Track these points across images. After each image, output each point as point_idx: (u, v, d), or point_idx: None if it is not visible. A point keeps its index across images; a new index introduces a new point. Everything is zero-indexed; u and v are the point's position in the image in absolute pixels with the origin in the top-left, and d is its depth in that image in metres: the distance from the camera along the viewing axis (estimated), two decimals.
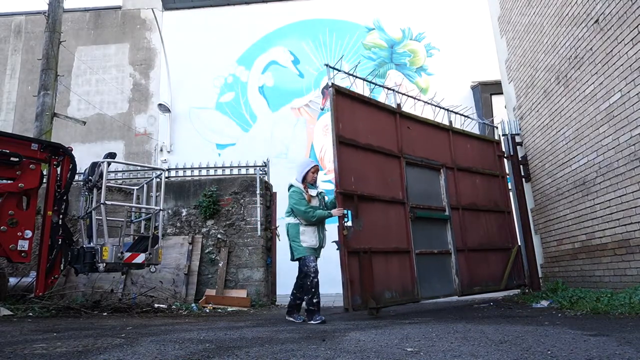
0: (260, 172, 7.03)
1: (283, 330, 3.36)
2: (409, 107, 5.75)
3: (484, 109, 10.40)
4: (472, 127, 6.85)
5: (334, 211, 4.31)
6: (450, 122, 6.18)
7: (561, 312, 4.16)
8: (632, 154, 4.23)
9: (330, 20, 12.34)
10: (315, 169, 4.41)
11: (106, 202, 4.72)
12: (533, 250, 6.33)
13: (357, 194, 4.52)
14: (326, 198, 4.54)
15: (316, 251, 4.29)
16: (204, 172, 7.44)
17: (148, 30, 12.71)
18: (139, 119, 12.14)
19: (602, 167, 4.74)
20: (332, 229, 4.51)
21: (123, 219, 5.70)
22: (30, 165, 4.87)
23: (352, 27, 12.26)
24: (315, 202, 4.35)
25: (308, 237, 4.23)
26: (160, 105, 11.67)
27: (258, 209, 6.74)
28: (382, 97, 11.75)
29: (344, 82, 5.09)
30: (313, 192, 4.37)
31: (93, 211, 4.87)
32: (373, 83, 5.52)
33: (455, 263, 5.35)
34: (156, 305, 5.59)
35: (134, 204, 5.85)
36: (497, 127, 7.08)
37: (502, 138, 6.89)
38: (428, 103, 5.98)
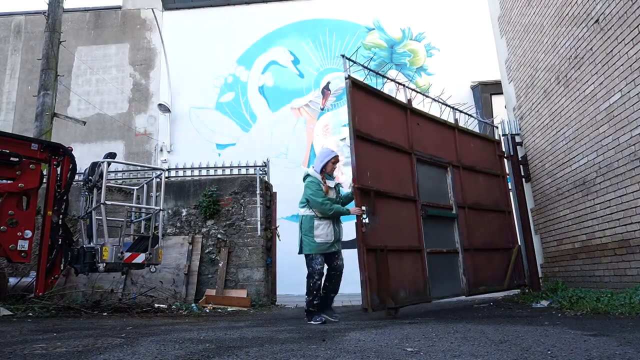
0: (260, 172, 7.03)
1: (283, 330, 3.36)
2: (415, 104, 5.71)
3: (484, 109, 10.40)
4: (474, 127, 6.86)
5: (352, 209, 4.10)
6: (456, 120, 6.15)
7: (561, 312, 4.16)
8: (632, 154, 4.23)
9: (330, 20, 12.34)
10: (336, 160, 4.23)
11: (106, 202, 4.72)
12: (533, 250, 6.33)
13: (374, 190, 4.37)
14: (341, 191, 4.36)
15: (333, 245, 4.07)
16: (204, 172, 7.44)
17: (148, 30, 12.71)
18: (139, 119, 12.14)
19: (602, 167, 4.74)
20: (345, 226, 4.44)
21: (123, 219, 5.70)
22: (30, 165, 4.87)
23: (352, 27, 12.26)
24: (332, 194, 4.17)
25: (322, 231, 4.01)
26: (160, 105, 11.67)
27: (258, 209, 6.74)
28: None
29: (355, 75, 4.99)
30: (331, 184, 4.19)
31: (93, 211, 4.87)
32: (387, 77, 5.39)
33: (463, 262, 5.29)
34: (156, 305, 5.59)
35: (134, 204, 5.85)
36: (497, 127, 7.08)
37: (502, 138, 6.88)
38: (435, 100, 5.95)
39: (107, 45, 12.69)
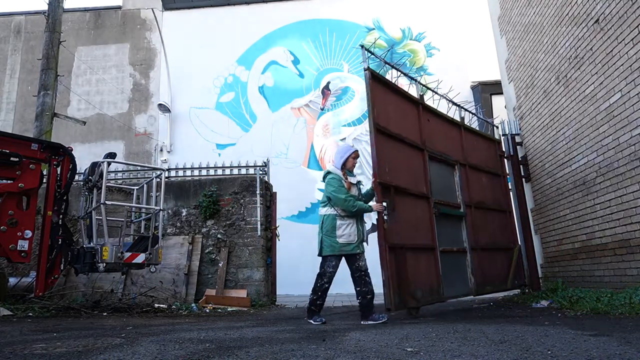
0: (260, 172, 7.03)
1: (283, 330, 3.36)
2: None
3: (484, 109, 10.40)
4: (475, 127, 6.85)
5: (375, 205, 3.96)
6: (462, 118, 6.12)
7: (561, 312, 4.16)
8: (632, 154, 4.23)
9: (330, 20, 12.35)
10: (356, 155, 4.11)
11: (106, 202, 4.72)
12: (533, 250, 6.33)
13: (393, 186, 4.25)
14: (362, 188, 4.24)
15: (358, 246, 3.93)
16: (204, 172, 7.44)
17: (148, 30, 12.71)
18: (139, 119, 12.14)
19: (603, 167, 4.74)
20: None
21: (123, 219, 5.70)
22: (30, 165, 4.87)
23: (352, 27, 12.26)
24: (354, 191, 4.03)
25: (345, 231, 3.87)
26: (160, 105, 11.67)
27: (258, 209, 6.74)
28: None
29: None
30: (353, 180, 4.07)
31: (93, 211, 4.87)
32: (401, 71, 5.30)
33: (471, 262, 5.23)
34: (156, 305, 5.59)
35: (134, 204, 5.85)
36: (497, 127, 7.08)
37: (502, 138, 6.88)
38: (443, 97, 5.92)
39: (107, 45, 12.69)
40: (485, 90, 10.90)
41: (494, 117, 8.22)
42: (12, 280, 5.69)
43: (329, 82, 11.94)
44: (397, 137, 4.56)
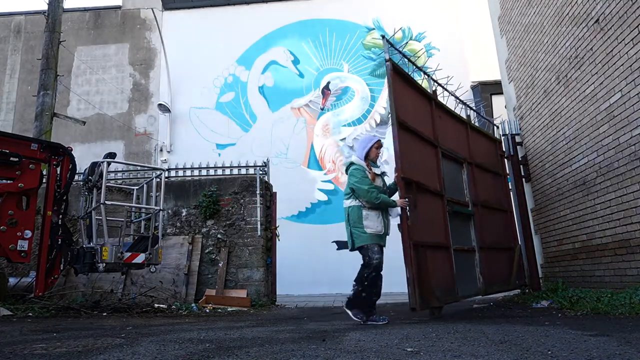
0: (260, 172, 7.03)
1: (283, 330, 3.36)
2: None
3: (487, 108, 10.40)
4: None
5: (399, 201, 3.83)
6: (468, 116, 6.09)
7: (561, 312, 4.15)
8: (632, 154, 4.23)
9: (330, 20, 12.35)
10: (379, 145, 3.98)
11: (106, 202, 4.72)
12: (533, 250, 6.33)
13: (415, 181, 4.13)
14: (386, 181, 4.10)
15: (381, 238, 3.79)
16: (204, 172, 7.44)
17: (148, 30, 12.71)
18: (139, 119, 12.14)
19: (603, 167, 4.74)
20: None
21: (123, 219, 5.70)
22: (30, 165, 4.87)
23: (352, 27, 12.26)
24: (378, 182, 3.90)
25: (372, 222, 3.73)
26: (160, 105, 11.67)
27: (258, 209, 6.73)
28: (382, 94, 11.76)
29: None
30: (377, 171, 3.95)
31: (93, 211, 4.87)
32: (416, 66, 5.20)
33: (479, 261, 5.17)
34: (156, 305, 5.58)
35: (134, 204, 5.85)
36: (497, 127, 7.08)
37: (502, 138, 6.88)
38: (452, 94, 5.88)
39: (106, 45, 12.69)
40: (485, 90, 10.90)
41: (494, 117, 8.22)
42: (12, 280, 5.69)
43: (329, 82, 11.94)
44: (415, 132, 4.42)
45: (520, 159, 6.74)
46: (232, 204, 6.85)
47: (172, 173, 7.44)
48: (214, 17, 12.62)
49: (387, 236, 3.89)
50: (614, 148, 4.52)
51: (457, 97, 5.99)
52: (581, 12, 4.95)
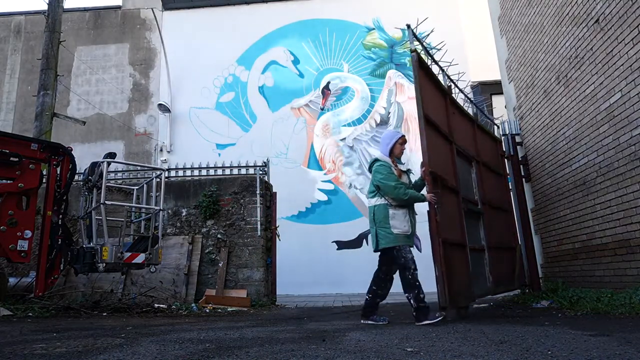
0: (260, 172, 7.03)
1: (283, 330, 3.36)
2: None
3: (487, 109, 10.41)
4: None
5: (428, 196, 3.66)
6: (475, 114, 6.05)
7: (561, 312, 4.15)
8: (632, 154, 4.23)
9: (330, 20, 12.35)
10: (403, 140, 3.84)
11: (106, 202, 4.72)
12: (533, 250, 6.33)
13: (440, 176, 4.00)
14: (412, 178, 3.96)
15: (409, 239, 3.63)
16: (204, 172, 7.44)
17: (148, 30, 12.71)
18: (139, 119, 12.15)
19: (603, 167, 4.74)
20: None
21: (123, 219, 5.70)
22: (30, 165, 4.87)
23: (352, 27, 12.27)
24: (405, 179, 3.76)
25: (399, 221, 3.57)
26: (160, 105, 11.67)
27: (258, 209, 6.73)
28: (382, 94, 11.76)
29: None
30: (403, 168, 3.81)
31: (93, 211, 4.87)
32: (434, 60, 5.10)
33: (488, 260, 5.08)
34: (156, 305, 5.58)
35: (134, 204, 5.85)
36: (498, 127, 7.08)
37: (502, 138, 6.88)
38: (462, 91, 5.84)
39: (106, 45, 12.70)
40: (485, 90, 10.90)
41: (494, 117, 8.22)
42: (12, 280, 5.69)
43: (329, 82, 11.94)
44: (436, 127, 4.31)
45: (520, 159, 6.74)
46: (232, 204, 6.85)
47: (172, 173, 7.44)
48: (214, 17, 12.62)
49: (413, 236, 3.74)
50: (614, 148, 4.52)
51: (466, 95, 5.97)
52: (581, 12, 4.95)
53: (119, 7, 12.98)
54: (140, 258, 4.93)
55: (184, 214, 6.88)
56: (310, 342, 2.58)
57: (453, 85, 5.53)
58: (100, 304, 5.43)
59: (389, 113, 11.58)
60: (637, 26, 4.04)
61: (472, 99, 6.07)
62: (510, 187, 6.74)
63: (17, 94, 12.39)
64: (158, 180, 6.07)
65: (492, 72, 10.16)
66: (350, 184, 11.14)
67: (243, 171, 7.32)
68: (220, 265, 6.51)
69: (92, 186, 4.96)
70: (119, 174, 7.59)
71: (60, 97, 11.37)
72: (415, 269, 3.53)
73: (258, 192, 6.82)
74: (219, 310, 5.65)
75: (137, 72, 12.46)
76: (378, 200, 3.68)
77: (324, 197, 11.17)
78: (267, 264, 6.73)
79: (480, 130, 6.03)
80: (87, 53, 12.63)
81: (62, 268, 5.08)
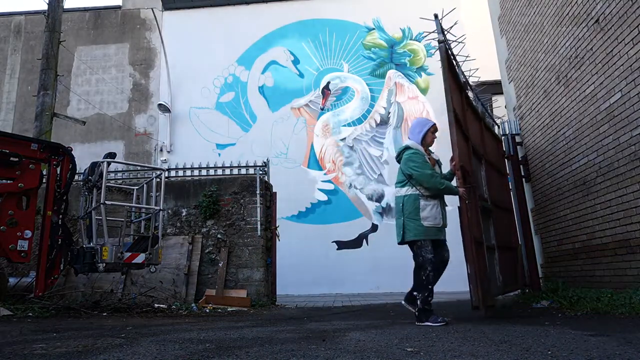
0: (260, 172, 7.03)
1: (283, 330, 3.36)
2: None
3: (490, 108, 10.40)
4: None
5: (460, 190, 3.53)
6: (482, 112, 6.01)
7: (561, 312, 4.15)
8: (632, 154, 4.23)
9: (330, 20, 12.35)
10: (435, 129, 3.67)
11: (106, 202, 4.72)
12: (533, 250, 6.33)
13: (469, 172, 3.88)
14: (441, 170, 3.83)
15: (440, 231, 3.49)
16: (204, 172, 7.44)
17: (148, 30, 12.71)
18: (139, 119, 12.15)
19: (603, 167, 4.74)
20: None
21: (123, 219, 5.70)
22: (30, 165, 4.87)
23: (352, 27, 12.27)
24: (437, 170, 3.61)
25: (430, 213, 3.41)
26: (160, 105, 11.67)
27: (258, 209, 6.73)
28: (382, 94, 11.76)
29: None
30: (435, 157, 3.66)
31: (93, 211, 4.87)
32: (452, 55, 4.99)
33: (498, 260, 4.98)
34: (156, 305, 5.58)
35: (134, 204, 5.84)
36: (498, 127, 7.07)
37: (502, 138, 6.88)
38: (471, 89, 5.81)
39: (106, 45, 12.70)
40: (486, 90, 10.88)
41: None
42: (12, 280, 5.69)
43: (329, 82, 11.94)
44: (458, 122, 4.18)
45: (520, 159, 6.74)
46: (232, 204, 6.85)
47: (172, 173, 7.44)
48: (214, 17, 12.62)
49: (445, 229, 3.59)
50: (614, 148, 4.52)
51: (475, 94, 5.95)
52: (581, 12, 4.95)
53: (119, 7, 12.98)
54: (140, 258, 4.93)
55: (184, 214, 6.88)
56: (310, 342, 2.58)
57: (465, 81, 5.45)
58: (100, 304, 5.43)
59: (389, 113, 11.58)
60: (637, 26, 4.04)
61: (479, 97, 6.05)
62: (510, 187, 6.74)
63: (17, 94, 12.39)
64: (158, 180, 6.07)
65: (492, 72, 10.16)
66: (350, 184, 11.14)
67: (243, 171, 7.32)
68: (220, 265, 6.51)
69: (92, 186, 4.96)
70: (119, 174, 7.59)
71: (60, 97, 11.37)
72: (431, 271, 3.41)
73: (258, 192, 6.82)
74: (219, 310, 5.65)
75: (137, 72, 12.46)
76: (409, 190, 3.50)
77: (324, 197, 11.17)
78: (267, 264, 6.73)
79: (486, 129, 6.01)
80: (87, 53, 12.63)
81: (62, 268, 5.08)
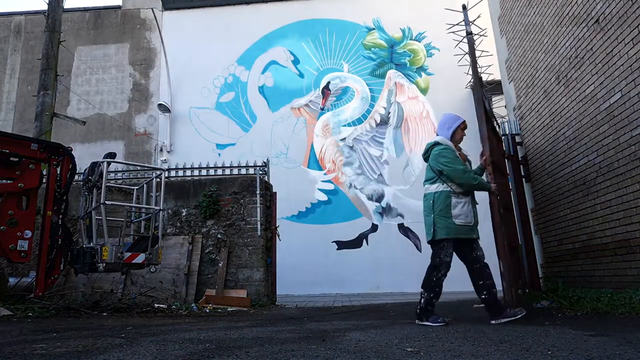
0: (260, 172, 7.03)
1: (283, 330, 3.36)
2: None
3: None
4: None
5: (493, 186, 3.47)
6: (490, 111, 6.00)
7: (561, 312, 4.15)
8: (632, 154, 4.23)
9: (330, 20, 12.35)
10: (465, 126, 3.59)
11: (106, 202, 4.72)
12: (533, 250, 6.33)
13: (499, 168, 3.82)
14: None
15: (472, 230, 3.38)
16: (204, 172, 7.44)
17: (148, 30, 12.71)
18: (139, 119, 12.15)
19: (603, 167, 4.74)
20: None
21: (123, 219, 5.70)
22: (30, 165, 4.87)
23: (352, 27, 12.27)
24: (468, 167, 3.53)
25: (462, 211, 3.32)
26: (160, 105, 11.67)
27: (258, 209, 6.73)
28: (382, 94, 11.76)
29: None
30: (465, 153, 3.58)
31: (93, 211, 4.87)
32: (472, 56, 5.01)
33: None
34: (156, 305, 5.58)
35: (134, 204, 5.84)
36: (499, 126, 7.07)
37: (502, 138, 6.87)
38: (481, 86, 5.79)
39: (106, 45, 12.70)
40: (485, 90, 10.88)
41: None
42: (12, 280, 5.69)
43: (329, 82, 11.94)
44: (487, 115, 4.11)
45: (520, 159, 6.73)
46: (232, 204, 6.86)
47: (172, 173, 7.44)
48: (214, 17, 12.62)
49: (477, 227, 3.49)
50: (614, 148, 4.52)
51: (482, 92, 5.93)
52: (581, 12, 4.95)
53: (119, 7, 12.98)
54: (140, 258, 4.93)
55: (184, 214, 6.88)
56: (310, 342, 2.58)
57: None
58: (100, 304, 5.43)
59: (389, 113, 11.58)
60: (637, 26, 4.03)
61: (485, 96, 6.03)
62: (511, 187, 6.74)
63: (17, 94, 12.39)
64: (158, 180, 6.07)
65: (492, 72, 10.15)
66: (350, 184, 11.14)
67: (243, 171, 7.32)
68: (220, 265, 6.51)
69: (92, 186, 4.96)
70: (119, 174, 7.59)
71: (60, 97, 11.37)
72: (444, 275, 3.35)
73: (258, 192, 6.82)
74: (219, 310, 5.65)
75: (137, 72, 12.46)
76: (439, 187, 3.40)
77: (324, 197, 11.17)
78: (267, 264, 6.73)
79: (492, 128, 5.98)
80: (87, 53, 12.63)
81: (62, 268, 5.08)
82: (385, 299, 7.48)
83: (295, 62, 12.19)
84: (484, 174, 3.77)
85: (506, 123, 6.91)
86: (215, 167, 7.43)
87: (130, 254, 4.91)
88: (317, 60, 12.14)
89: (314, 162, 11.46)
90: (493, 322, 3.28)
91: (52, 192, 5.02)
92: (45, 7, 8.47)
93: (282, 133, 11.70)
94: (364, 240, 10.57)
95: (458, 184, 3.37)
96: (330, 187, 11.23)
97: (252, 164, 7.28)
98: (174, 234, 6.75)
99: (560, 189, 5.74)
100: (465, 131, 3.66)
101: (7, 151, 4.67)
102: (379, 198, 10.95)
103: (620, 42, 4.30)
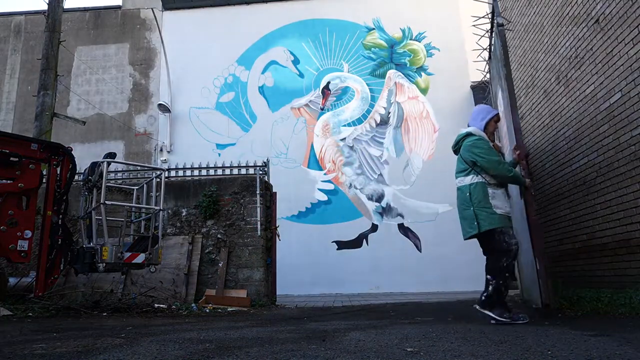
0: (260, 172, 7.03)
1: (283, 330, 3.35)
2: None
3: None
4: None
5: (527, 180, 3.40)
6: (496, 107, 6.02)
7: (561, 312, 4.15)
8: (632, 154, 4.22)
9: (330, 20, 12.35)
10: (498, 118, 3.53)
11: (106, 202, 4.72)
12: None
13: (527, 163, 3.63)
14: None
15: (511, 221, 3.29)
16: (204, 172, 7.45)
17: (148, 30, 12.71)
18: (139, 119, 12.15)
19: (603, 167, 4.74)
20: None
21: (123, 219, 5.70)
22: (30, 165, 4.87)
23: (352, 27, 12.27)
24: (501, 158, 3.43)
25: (500, 201, 3.21)
26: (160, 105, 11.68)
27: (258, 209, 6.73)
28: (382, 94, 11.76)
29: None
30: (499, 145, 3.59)
31: (93, 211, 4.87)
32: (488, 53, 4.96)
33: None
34: (156, 305, 5.58)
35: (134, 204, 5.85)
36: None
37: None
38: (489, 85, 5.81)
39: (106, 45, 12.70)
40: (486, 90, 10.88)
41: None
42: (12, 280, 5.69)
43: (329, 82, 11.94)
44: (515, 107, 4.04)
45: None
46: (232, 204, 6.85)
47: (172, 173, 7.44)
48: (214, 17, 12.62)
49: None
50: (614, 148, 4.52)
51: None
52: (581, 12, 4.95)
53: (119, 7, 12.98)
54: (140, 258, 4.93)
55: (184, 214, 6.88)
56: (310, 342, 2.58)
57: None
58: (100, 304, 5.43)
59: (389, 113, 11.58)
60: (637, 26, 4.03)
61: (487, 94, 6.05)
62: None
63: (17, 94, 12.39)
64: (158, 180, 6.07)
65: None
66: (350, 184, 11.14)
67: (243, 171, 7.32)
68: (220, 265, 6.51)
69: (92, 186, 4.96)
70: (119, 174, 7.59)
71: (60, 97, 11.37)
72: (514, 259, 3.19)
73: (258, 192, 6.82)
74: (219, 310, 5.65)
75: (137, 72, 12.47)
76: (474, 179, 3.29)
77: (324, 197, 11.17)
78: (267, 264, 6.73)
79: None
80: (87, 53, 12.63)
81: (62, 268, 5.08)
82: (385, 299, 7.48)
83: (295, 62, 12.19)
84: (518, 168, 3.67)
85: None
86: (215, 167, 7.44)
87: (130, 254, 4.91)
88: (317, 60, 12.14)
89: (314, 162, 11.47)
90: (493, 322, 3.25)
91: (52, 192, 5.02)
92: (45, 7, 8.48)
93: (282, 133, 11.70)
94: (364, 240, 10.57)
95: (492, 175, 3.27)
96: (330, 187, 11.23)
97: (252, 164, 7.27)
98: (174, 234, 6.75)
99: (560, 189, 5.74)
100: (497, 125, 3.57)
101: (7, 151, 4.67)
102: (379, 198, 10.96)
103: (620, 42, 4.29)
